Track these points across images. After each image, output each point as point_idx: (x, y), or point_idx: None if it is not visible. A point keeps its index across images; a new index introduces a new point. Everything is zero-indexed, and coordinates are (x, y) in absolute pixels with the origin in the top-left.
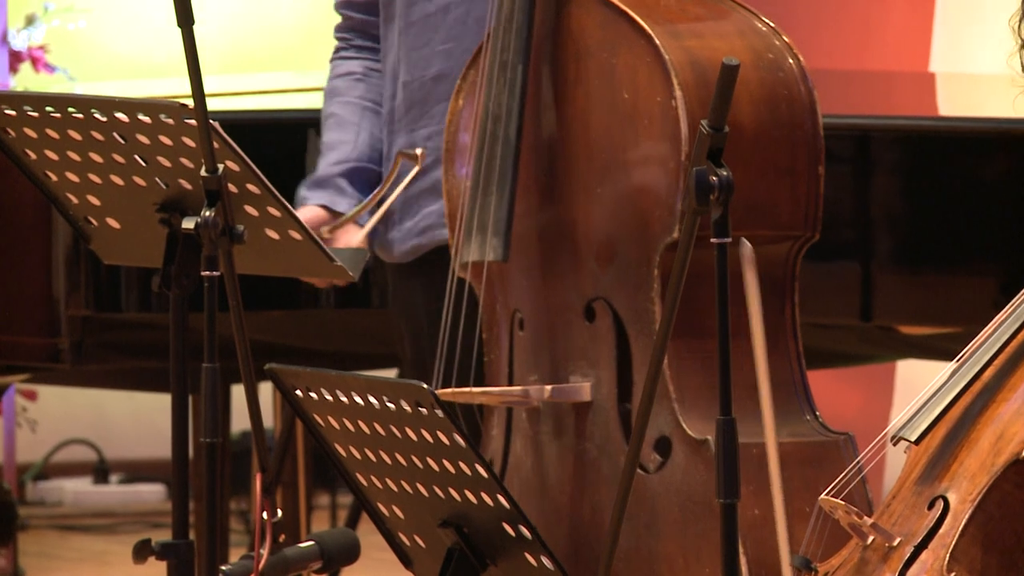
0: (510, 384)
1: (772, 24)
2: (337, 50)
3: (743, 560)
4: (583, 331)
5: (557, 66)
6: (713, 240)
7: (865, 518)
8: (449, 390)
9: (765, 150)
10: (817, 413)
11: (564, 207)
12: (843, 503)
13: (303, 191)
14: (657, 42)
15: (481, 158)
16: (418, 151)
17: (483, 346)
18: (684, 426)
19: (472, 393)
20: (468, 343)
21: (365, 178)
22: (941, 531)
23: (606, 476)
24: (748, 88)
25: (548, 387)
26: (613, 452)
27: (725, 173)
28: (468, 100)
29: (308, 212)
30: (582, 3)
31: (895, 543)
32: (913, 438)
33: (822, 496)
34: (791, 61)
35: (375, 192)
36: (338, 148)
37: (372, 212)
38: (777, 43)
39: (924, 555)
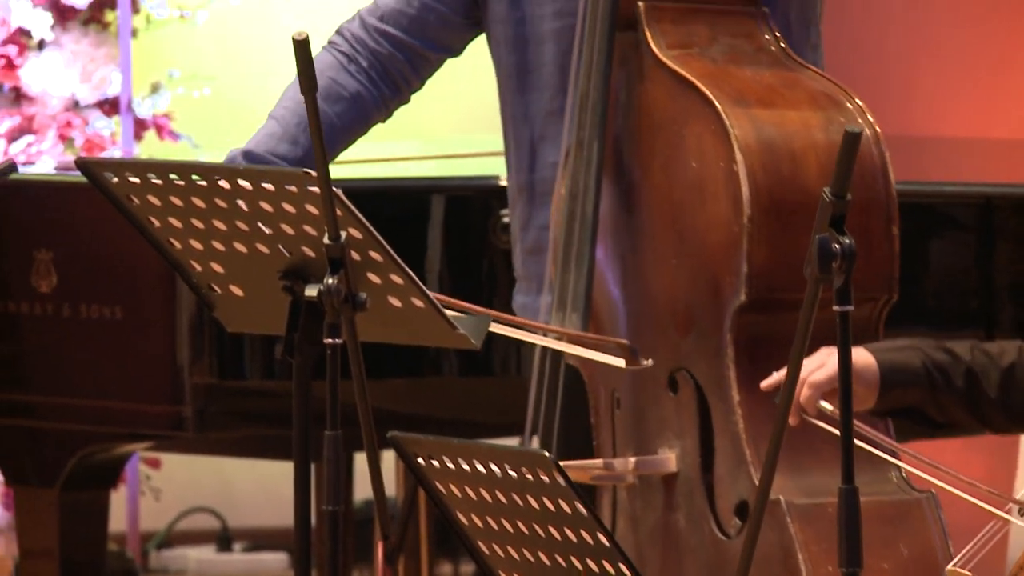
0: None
1: (846, 89)
2: (338, 46)
3: None
4: (669, 402)
5: (632, 141)
6: (836, 308)
7: None
8: None
9: None
10: (903, 470)
11: (643, 280)
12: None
13: (233, 152)
14: (720, 109)
15: (562, 235)
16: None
17: (592, 431)
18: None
19: None
20: (577, 421)
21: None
22: None
23: (693, 546)
24: (816, 152)
25: (632, 459)
26: (699, 520)
27: (848, 241)
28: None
29: None
30: (654, 77)
31: None
32: None
33: (949, 567)
34: (863, 127)
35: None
36: (286, 143)
37: None
38: (849, 106)
39: None
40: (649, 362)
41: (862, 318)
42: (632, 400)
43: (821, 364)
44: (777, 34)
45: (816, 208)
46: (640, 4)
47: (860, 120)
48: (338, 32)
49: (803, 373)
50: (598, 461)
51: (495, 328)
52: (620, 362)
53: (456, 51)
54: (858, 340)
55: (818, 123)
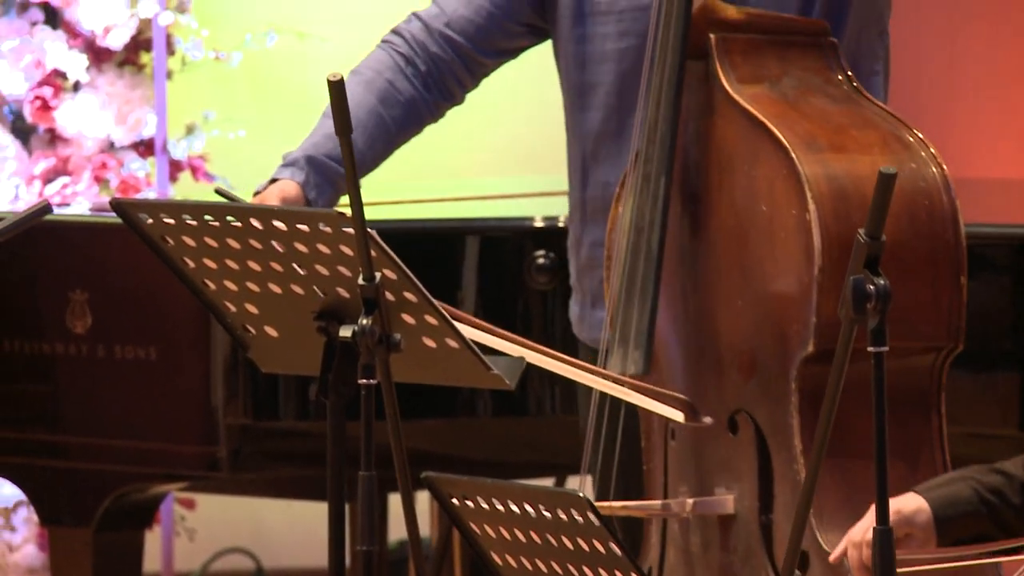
0: (665, 494)
1: (920, 135)
2: (394, 45)
3: None
4: (727, 443)
5: (700, 177)
6: (870, 349)
7: None
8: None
9: (906, 260)
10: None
11: (706, 318)
12: None
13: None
14: (793, 155)
15: (624, 270)
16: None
17: (643, 454)
18: (820, 540)
19: (613, 507)
20: (633, 457)
21: (328, 178)
22: None
23: None
24: None
25: (690, 500)
26: (756, 566)
27: (882, 282)
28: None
29: (289, 188)
30: (725, 114)
31: None
32: None
33: None
34: (934, 170)
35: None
36: (318, 134)
37: None
38: (923, 153)
39: None
40: (708, 420)
41: (923, 366)
42: (687, 435)
43: (868, 527)
44: (847, 68)
45: (890, 254)
46: (711, 36)
47: (931, 164)
48: (395, 32)
49: (853, 536)
50: (656, 503)
51: (550, 366)
52: (679, 415)
53: (514, 57)
54: (918, 387)
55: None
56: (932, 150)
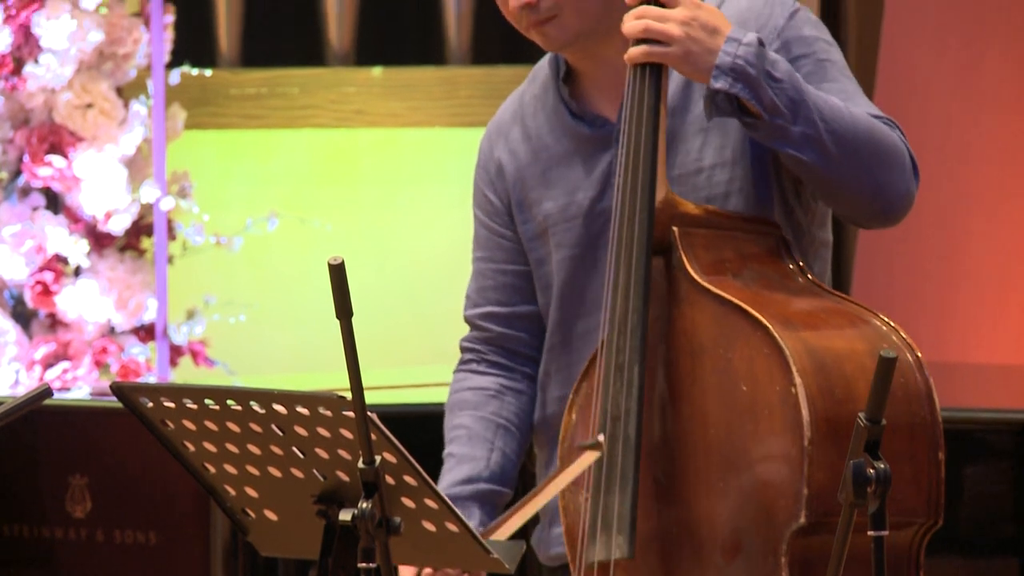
0: None
1: (889, 320)
2: (465, 361)
3: None
4: None
5: (671, 365)
6: (870, 533)
7: None
8: None
9: (886, 438)
10: None
11: (684, 504)
12: None
13: None
14: (773, 332)
15: (601, 460)
16: (600, 437)
17: None
18: None
19: None
20: None
21: (495, 502)
22: None
23: None
24: (866, 376)
25: None
26: None
27: (882, 466)
28: (581, 414)
29: None
30: (693, 301)
31: None
32: None
33: None
34: (907, 354)
35: (549, 478)
36: (468, 463)
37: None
38: (894, 337)
39: None
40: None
41: (903, 541)
42: None
43: None
44: (799, 261)
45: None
46: (675, 229)
47: (904, 348)
48: (461, 351)
49: None
50: None
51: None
52: (594, 456)
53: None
54: (896, 563)
55: (864, 348)
56: (903, 334)
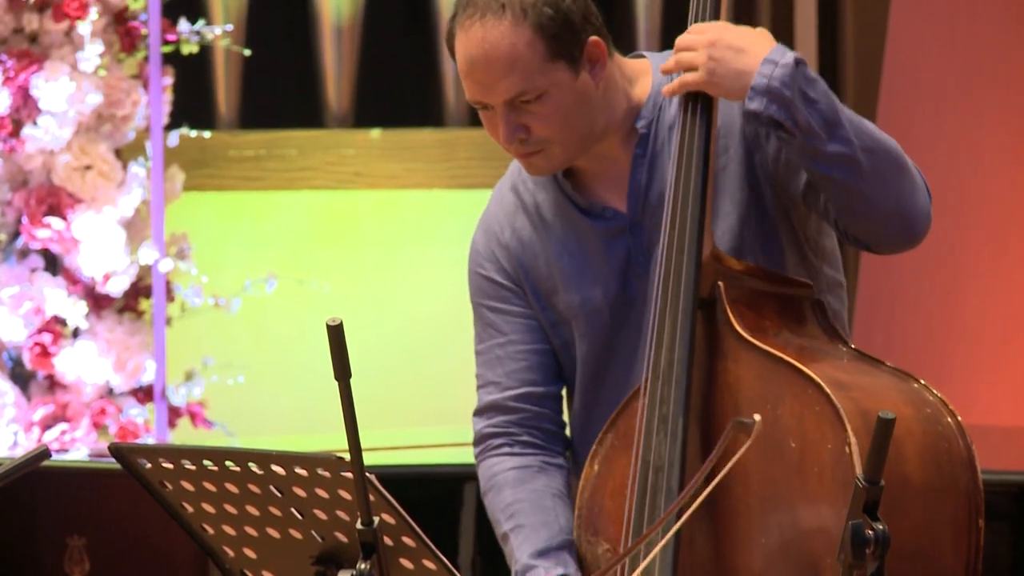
0: None
1: (929, 385)
2: (495, 447)
3: None
4: None
5: (712, 419)
6: None
7: None
8: None
9: (930, 501)
10: None
11: (725, 558)
12: None
13: (527, 560)
14: (827, 389)
15: (642, 512)
16: (756, 417)
17: None
18: None
19: None
20: None
21: (575, 556)
22: None
23: None
24: (914, 439)
25: None
26: None
27: (881, 527)
28: (605, 465)
29: None
30: (738, 357)
31: None
32: None
33: None
34: (948, 418)
35: (705, 465)
36: (544, 528)
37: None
38: (931, 398)
39: None
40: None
41: None
42: None
43: None
44: (836, 324)
45: (913, 495)
46: (720, 284)
47: (945, 412)
48: (483, 438)
49: None
50: None
51: None
52: None
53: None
54: None
55: (910, 412)
56: (942, 397)
